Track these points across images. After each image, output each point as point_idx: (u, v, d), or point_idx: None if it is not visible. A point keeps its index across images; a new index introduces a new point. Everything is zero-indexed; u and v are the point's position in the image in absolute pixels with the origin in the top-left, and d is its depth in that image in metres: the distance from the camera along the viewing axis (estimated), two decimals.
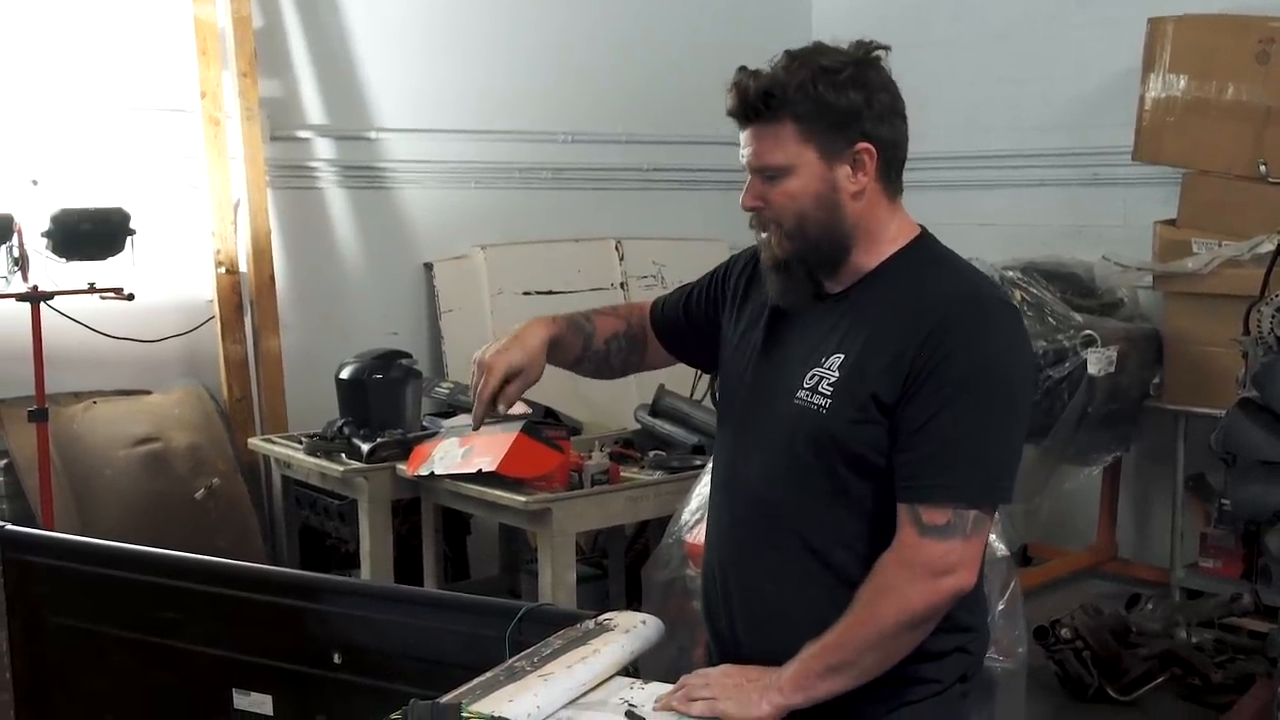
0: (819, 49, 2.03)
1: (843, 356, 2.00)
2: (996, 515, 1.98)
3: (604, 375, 2.49)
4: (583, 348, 2.41)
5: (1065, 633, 4.66)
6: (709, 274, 2.39)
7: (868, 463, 1.98)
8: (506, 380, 2.26)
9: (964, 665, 2.09)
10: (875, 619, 1.92)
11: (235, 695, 2.44)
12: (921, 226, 2.13)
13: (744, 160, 2.06)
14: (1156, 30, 5.25)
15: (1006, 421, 1.96)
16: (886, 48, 2.05)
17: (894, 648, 1.94)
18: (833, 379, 2.00)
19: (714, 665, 2.11)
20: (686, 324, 2.39)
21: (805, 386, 2.02)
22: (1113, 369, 5.00)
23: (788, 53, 2.03)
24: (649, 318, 2.45)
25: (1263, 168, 5.00)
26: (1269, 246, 4.70)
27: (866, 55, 2.03)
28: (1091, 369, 4.96)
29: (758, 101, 1.99)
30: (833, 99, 1.98)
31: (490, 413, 2.25)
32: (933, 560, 1.90)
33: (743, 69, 2.05)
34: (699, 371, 4.99)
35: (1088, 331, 5.02)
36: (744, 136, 2.05)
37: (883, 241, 2.06)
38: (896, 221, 2.08)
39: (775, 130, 2.00)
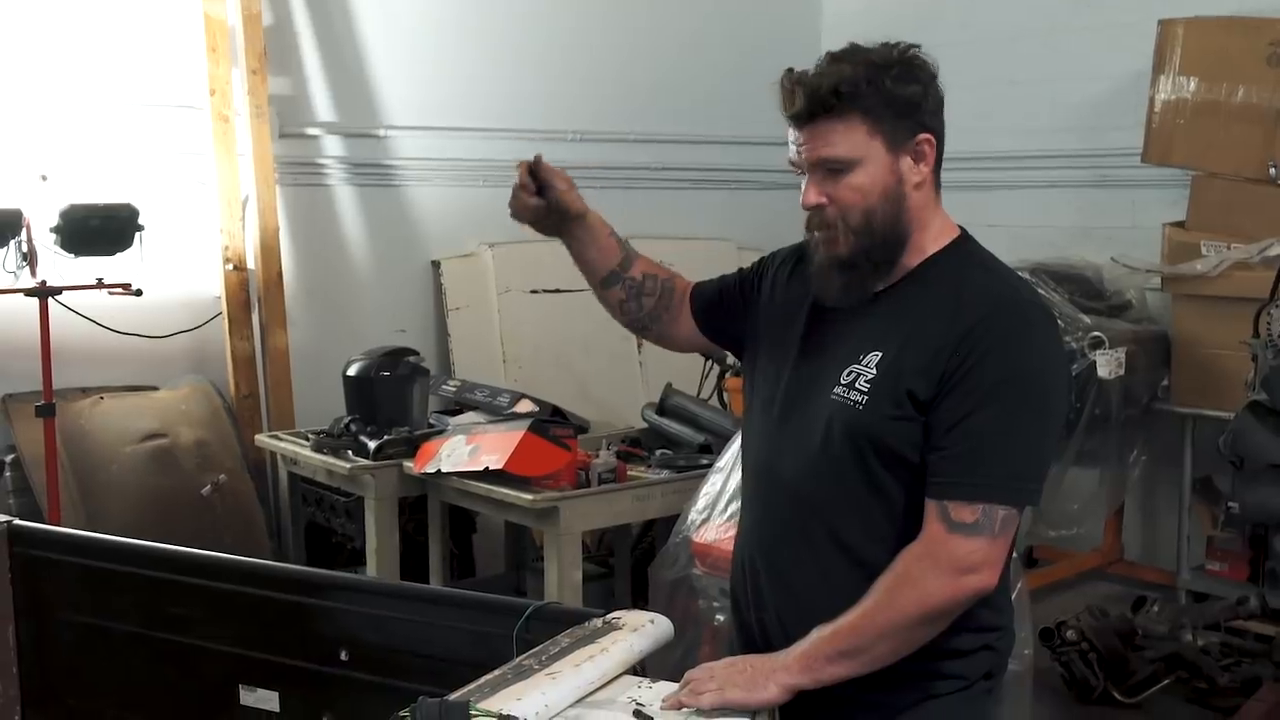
0: (859, 48, 2.04)
1: (881, 354, 2.02)
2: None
3: (631, 312, 2.44)
4: (620, 263, 2.41)
5: (1071, 635, 4.66)
6: (749, 265, 2.40)
7: (903, 459, 1.99)
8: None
9: (990, 663, 2.10)
10: (894, 609, 1.92)
11: (242, 691, 2.44)
12: (962, 228, 2.15)
13: (802, 156, 2.04)
14: (1167, 32, 5.24)
15: (1039, 424, 1.97)
16: (917, 45, 2.07)
17: (908, 639, 1.94)
18: (870, 375, 2.01)
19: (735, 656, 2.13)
20: (720, 304, 2.39)
21: (843, 383, 2.03)
22: (1122, 371, 4.99)
23: (831, 53, 2.03)
24: (688, 290, 2.45)
25: (1273, 170, 4.99)
26: (1278, 249, 4.69)
27: (906, 51, 2.04)
28: (1101, 371, 4.95)
29: (830, 98, 1.98)
30: (899, 90, 2.00)
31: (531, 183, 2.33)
32: (958, 557, 1.90)
33: (790, 70, 2.04)
34: (707, 369, 5.00)
35: (1096, 333, 5.01)
36: (802, 134, 2.03)
37: (927, 238, 2.08)
38: (940, 219, 2.11)
39: (843, 124, 1.99)
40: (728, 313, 2.38)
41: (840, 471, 2.04)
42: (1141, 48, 5.34)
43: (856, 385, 2.02)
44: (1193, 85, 5.19)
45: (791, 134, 2.06)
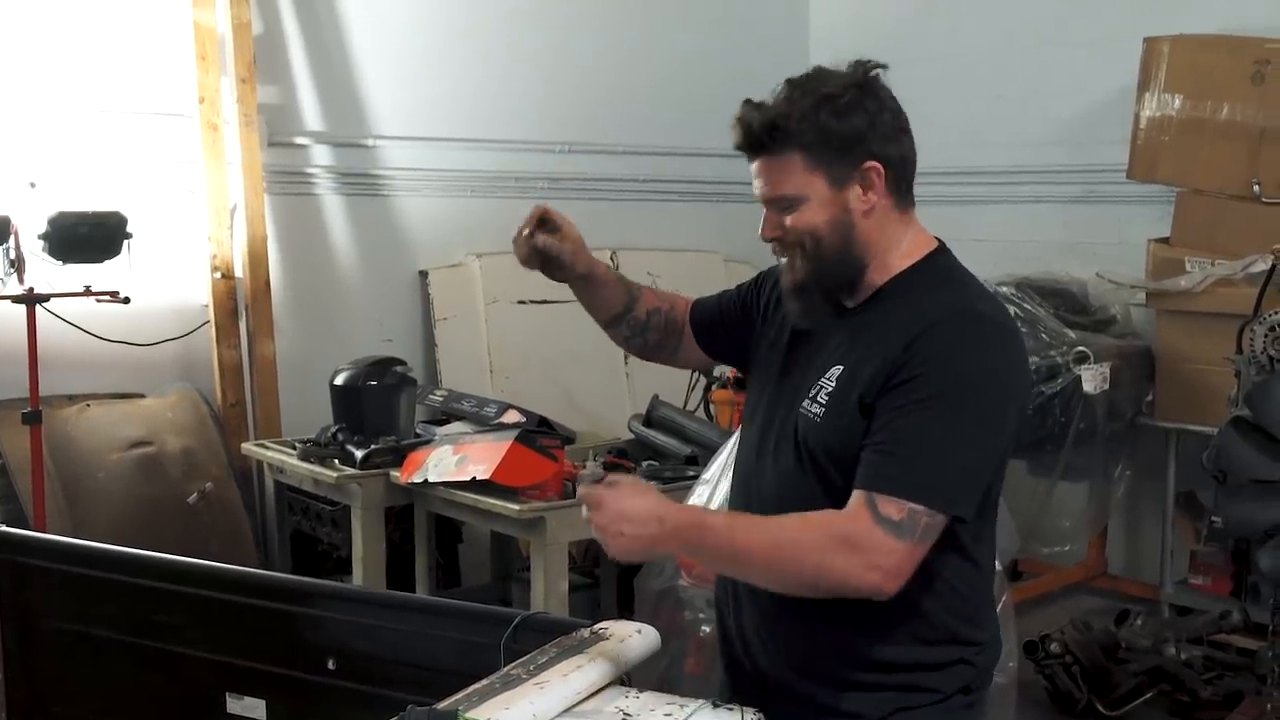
0: (819, 75, 2.06)
1: (841, 368, 2.05)
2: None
3: (636, 347, 2.51)
4: (625, 306, 2.46)
5: (1055, 647, 4.68)
6: (746, 281, 2.44)
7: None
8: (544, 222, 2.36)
9: (967, 677, 2.10)
10: (793, 561, 1.93)
11: (229, 699, 2.44)
12: (939, 241, 2.16)
13: (756, 193, 2.11)
14: (1152, 50, 5.27)
15: (977, 436, 1.96)
16: (884, 66, 2.08)
17: (779, 586, 1.99)
18: (830, 389, 2.04)
19: (722, 666, 2.22)
20: (720, 323, 2.44)
21: (809, 397, 2.07)
22: (1106, 386, 5.02)
23: (789, 82, 2.07)
24: (688, 312, 2.49)
25: (1257, 187, 5.02)
26: (1262, 266, 4.73)
27: (866, 76, 2.06)
28: (1086, 386, 4.98)
29: (763, 134, 2.03)
30: (836, 126, 2.01)
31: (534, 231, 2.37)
32: (876, 551, 1.89)
33: (747, 102, 2.08)
34: (694, 381, 5.01)
35: (1080, 348, 5.04)
36: (753, 169, 2.10)
37: (895, 257, 2.10)
38: (910, 235, 2.12)
39: (783, 161, 2.04)
40: (726, 331, 2.42)
41: (807, 484, 2.07)
42: (1128, 64, 5.37)
43: (818, 399, 2.05)
44: (1178, 102, 5.22)
45: (750, 167, 2.12)
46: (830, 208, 2.04)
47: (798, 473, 2.08)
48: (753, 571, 2.00)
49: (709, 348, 2.48)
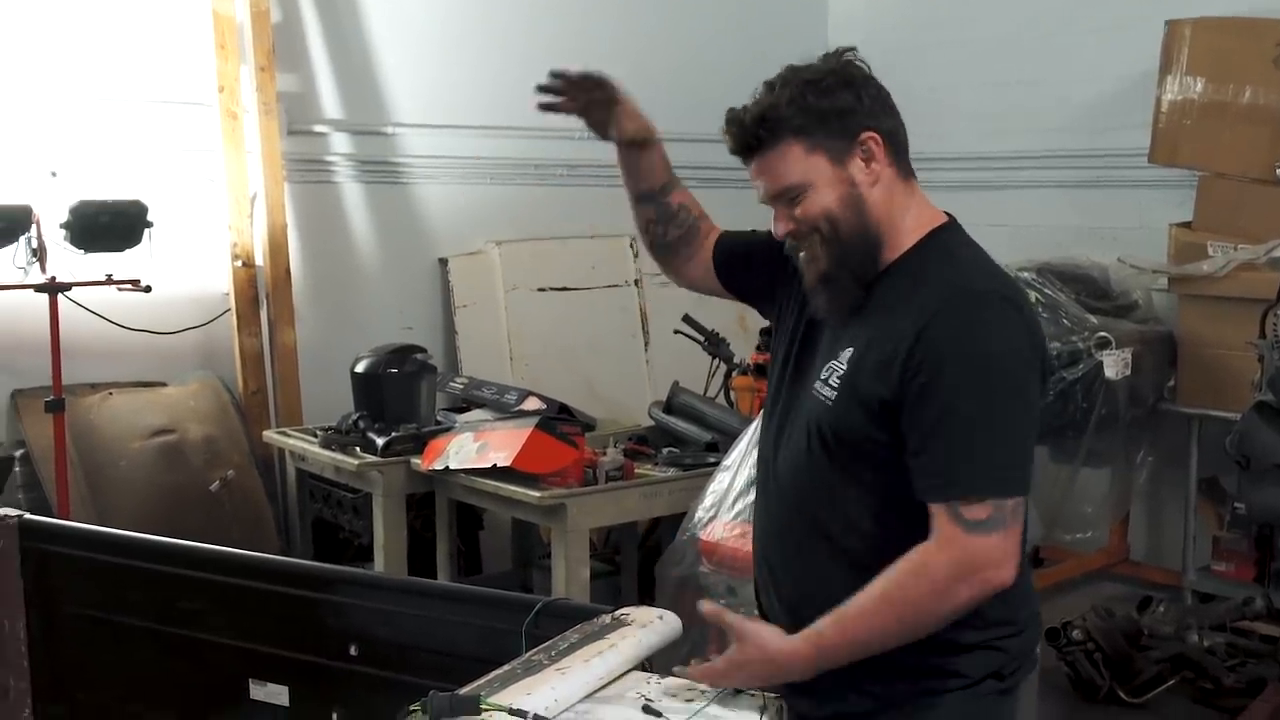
0: (795, 69, 2.08)
1: (852, 350, 2.05)
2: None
3: (655, 236, 2.48)
4: (663, 187, 2.46)
5: (1077, 634, 4.66)
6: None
7: (870, 453, 2.02)
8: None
9: (996, 662, 2.08)
10: (910, 604, 1.93)
11: (252, 686, 2.45)
12: (948, 215, 2.15)
13: (760, 193, 2.12)
14: (1174, 33, 5.24)
15: (1013, 411, 1.97)
16: (852, 49, 2.10)
17: (916, 633, 1.96)
18: (842, 371, 2.04)
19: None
20: (746, 257, 2.41)
21: (821, 379, 2.07)
22: (1128, 371, 4.99)
23: (765, 82, 2.08)
24: (714, 235, 2.48)
25: (1279, 171, 4.99)
26: None
27: (840, 61, 2.08)
28: (1108, 372, 4.95)
29: (756, 129, 2.04)
30: (826, 104, 2.03)
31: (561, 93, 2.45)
32: (980, 555, 1.91)
33: (730, 109, 2.10)
34: (714, 368, 5.00)
35: (1102, 333, 5.01)
36: (752, 170, 2.10)
37: (902, 232, 2.09)
38: (916, 207, 2.12)
39: (780, 153, 2.05)
40: (751, 269, 2.40)
41: (819, 466, 2.08)
42: (1149, 48, 5.34)
43: (829, 382, 2.06)
44: (1200, 86, 5.19)
45: (748, 171, 2.12)
46: (838, 185, 2.04)
47: (808, 454, 2.09)
48: (890, 644, 1.97)
49: (728, 279, 2.44)
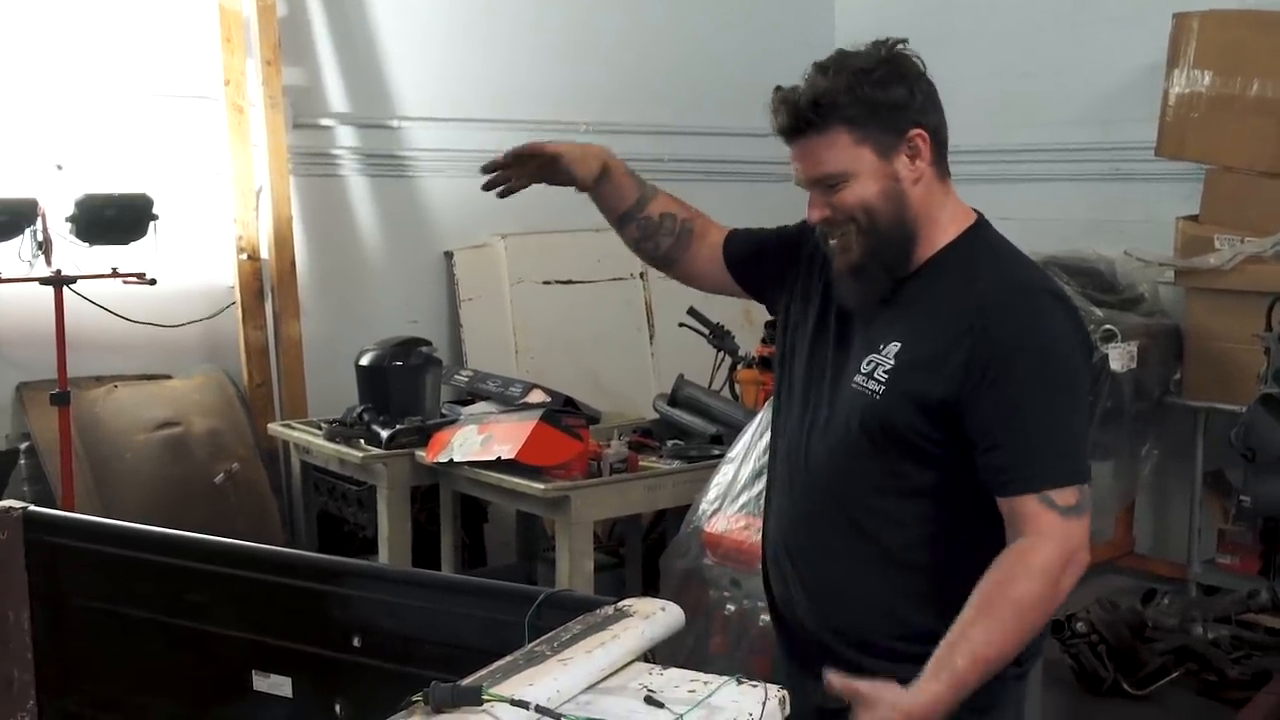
0: (846, 55, 2.07)
1: (899, 345, 2.05)
2: None
3: (648, 251, 2.49)
4: (636, 202, 2.46)
5: (1081, 627, 4.66)
6: (787, 228, 2.42)
7: (918, 448, 2.02)
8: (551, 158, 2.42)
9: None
10: (1043, 615, 1.96)
11: (255, 677, 2.45)
12: (978, 213, 2.16)
13: (799, 176, 2.10)
14: (1182, 25, 5.23)
15: (1077, 403, 2.02)
16: (904, 40, 2.08)
17: (1035, 631, 1.98)
18: (889, 366, 2.04)
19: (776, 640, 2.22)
20: (758, 254, 2.41)
21: (863, 372, 2.07)
22: (1134, 364, 4.99)
23: (816, 65, 2.06)
24: (722, 235, 2.47)
25: None
26: None
27: (892, 51, 2.06)
28: (1114, 365, 4.95)
29: (809, 113, 2.02)
30: (880, 96, 2.02)
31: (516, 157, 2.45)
32: (1078, 540, 1.95)
33: (779, 88, 2.08)
34: (719, 361, 5.00)
35: (1108, 326, 5.00)
36: (794, 152, 2.08)
37: (938, 228, 2.10)
38: (950, 205, 2.13)
39: (828, 139, 2.03)
40: (762, 264, 2.40)
41: (859, 459, 2.07)
42: (1156, 40, 5.33)
43: (875, 375, 2.05)
44: (1207, 78, 5.18)
45: (789, 152, 2.10)
46: (881, 179, 2.04)
47: (847, 445, 2.08)
48: (1016, 649, 1.96)
49: (742, 275, 2.44)
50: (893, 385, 2.02)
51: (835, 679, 1.95)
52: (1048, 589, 1.93)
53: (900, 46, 2.07)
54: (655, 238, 2.46)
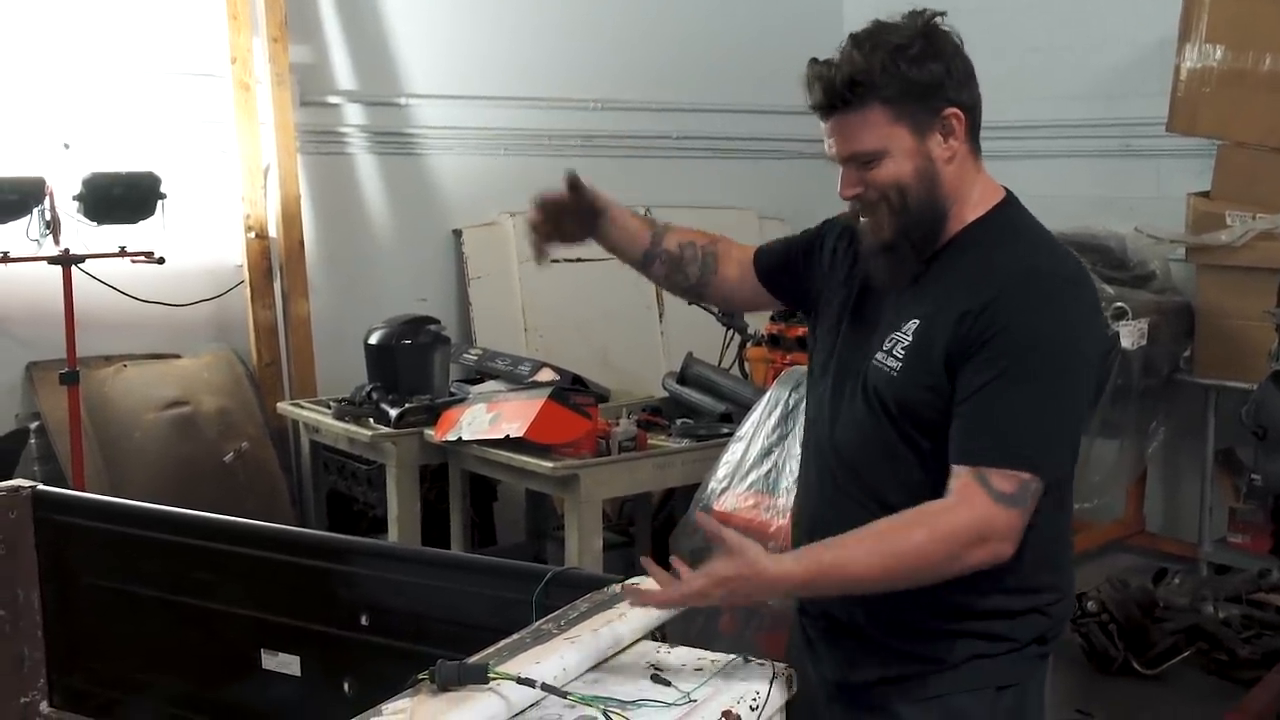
0: (882, 28, 2.04)
1: (917, 322, 2.04)
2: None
3: (679, 284, 2.49)
4: (653, 240, 2.45)
5: (1092, 606, 4.66)
6: (809, 231, 2.40)
7: (935, 424, 2.01)
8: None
9: (1041, 627, 2.10)
10: (925, 571, 1.92)
11: (264, 655, 2.46)
12: (1007, 190, 2.15)
13: (832, 151, 2.07)
14: (1193, 0, 5.19)
15: (1063, 394, 1.97)
16: (943, 13, 2.07)
17: (908, 583, 1.95)
18: (906, 343, 2.04)
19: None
20: (785, 265, 2.40)
21: (884, 349, 2.06)
22: (1144, 342, 4.97)
23: (853, 36, 2.03)
24: (747, 253, 2.46)
25: None
26: None
27: (929, 24, 2.04)
28: (1124, 342, 4.93)
29: (845, 91, 2.00)
30: (917, 74, 1.99)
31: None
32: (1000, 528, 1.91)
33: (814, 61, 2.05)
34: (729, 338, 4.99)
35: (1119, 304, 4.98)
36: (828, 127, 2.05)
37: (967, 206, 2.08)
38: (981, 183, 2.11)
39: (863, 116, 2.01)
40: (792, 272, 2.39)
41: (881, 436, 2.06)
42: (1167, 15, 5.28)
43: (894, 352, 2.04)
44: (1219, 53, 5.14)
45: (822, 126, 2.07)
46: (915, 158, 2.02)
47: (870, 423, 2.08)
48: (877, 588, 1.96)
49: (776, 287, 2.43)
50: (908, 361, 2.02)
51: (704, 519, 1.99)
52: (939, 555, 1.90)
53: (938, 20, 2.05)
54: (682, 269, 2.45)
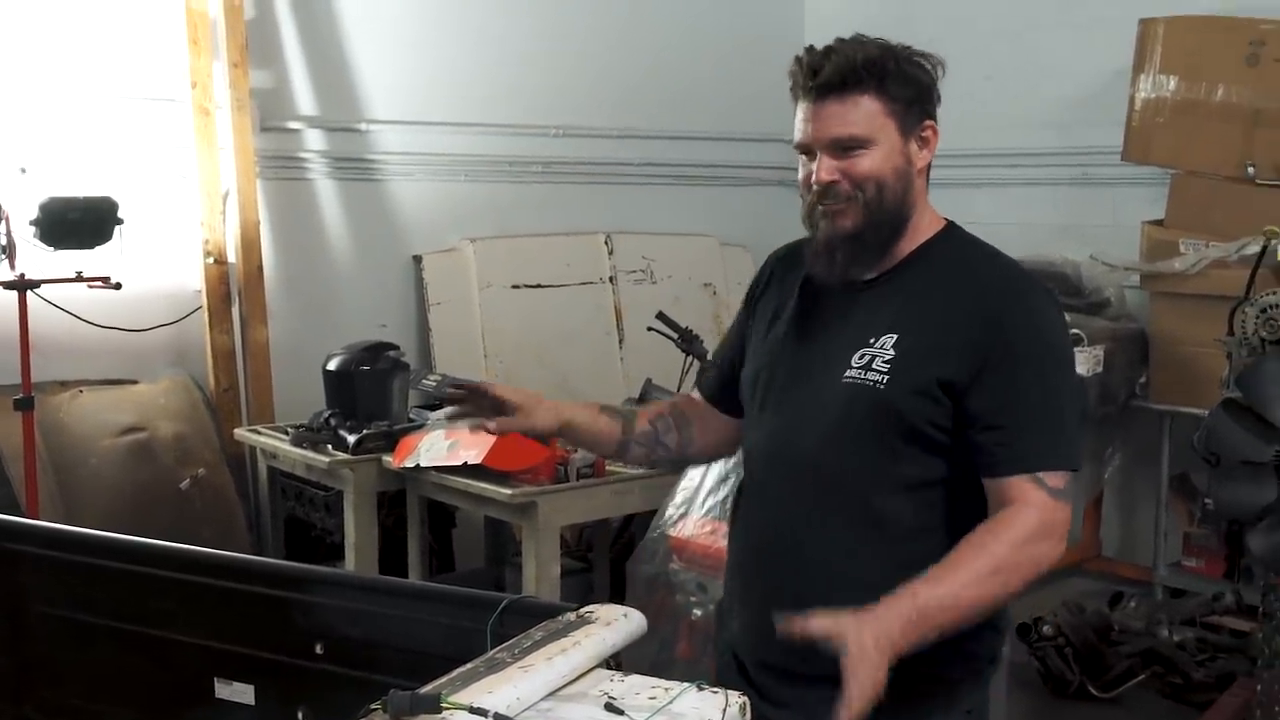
0: (868, 38, 2.10)
1: (896, 335, 2.06)
2: None
3: (661, 458, 2.46)
4: (623, 430, 2.41)
5: (1048, 630, 4.68)
6: (738, 315, 2.42)
7: (924, 436, 2.04)
8: (502, 403, 2.29)
9: (993, 644, 2.16)
10: (1016, 580, 1.96)
11: (217, 684, 2.44)
12: (947, 219, 2.20)
13: (809, 136, 2.08)
14: (1147, 31, 5.27)
15: (1073, 390, 2.09)
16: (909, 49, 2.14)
17: (1002, 604, 2.01)
18: (888, 356, 2.05)
19: (736, 642, 2.21)
20: (731, 374, 2.37)
21: (855, 365, 2.07)
22: (1100, 368, 5.02)
23: (858, 36, 2.09)
24: (702, 398, 2.46)
25: (1251, 169, 5.02)
26: (1255, 248, 4.72)
27: (919, 51, 2.12)
28: (1080, 369, 4.97)
29: (861, 72, 2.03)
30: (915, 75, 2.07)
31: (461, 403, 2.35)
32: (1062, 521, 1.99)
33: (810, 47, 2.08)
34: (687, 365, 5.00)
35: (1075, 330, 5.02)
36: (813, 110, 2.06)
37: (921, 224, 2.13)
38: (929, 209, 2.16)
39: (859, 103, 2.04)
40: (737, 379, 2.36)
41: (862, 449, 2.07)
42: (1122, 46, 5.36)
43: (874, 366, 2.06)
44: (1172, 84, 5.22)
45: (800, 115, 2.08)
46: (896, 157, 2.06)
47: (845, 438, 2.08)
48: (984, 611, 1.98)
49: (736, 408, 2.37)
50: (897, 374, 2.03)
51: (801, 623, 1.89)
52: (1023, 557, 1.96)
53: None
54: (661, 442, 2.42)
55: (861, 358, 2.07)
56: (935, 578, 1.93)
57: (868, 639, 1.84)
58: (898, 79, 2.04)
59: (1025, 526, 1.96)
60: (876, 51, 2.04)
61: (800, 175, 2.12)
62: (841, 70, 2.02)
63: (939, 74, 2.10)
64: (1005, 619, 2.19)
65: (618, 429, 2.41)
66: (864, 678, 1.82)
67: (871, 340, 2.07)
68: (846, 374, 2.07)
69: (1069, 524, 2.00)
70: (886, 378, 2.04)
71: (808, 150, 2.09)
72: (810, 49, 2.07)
